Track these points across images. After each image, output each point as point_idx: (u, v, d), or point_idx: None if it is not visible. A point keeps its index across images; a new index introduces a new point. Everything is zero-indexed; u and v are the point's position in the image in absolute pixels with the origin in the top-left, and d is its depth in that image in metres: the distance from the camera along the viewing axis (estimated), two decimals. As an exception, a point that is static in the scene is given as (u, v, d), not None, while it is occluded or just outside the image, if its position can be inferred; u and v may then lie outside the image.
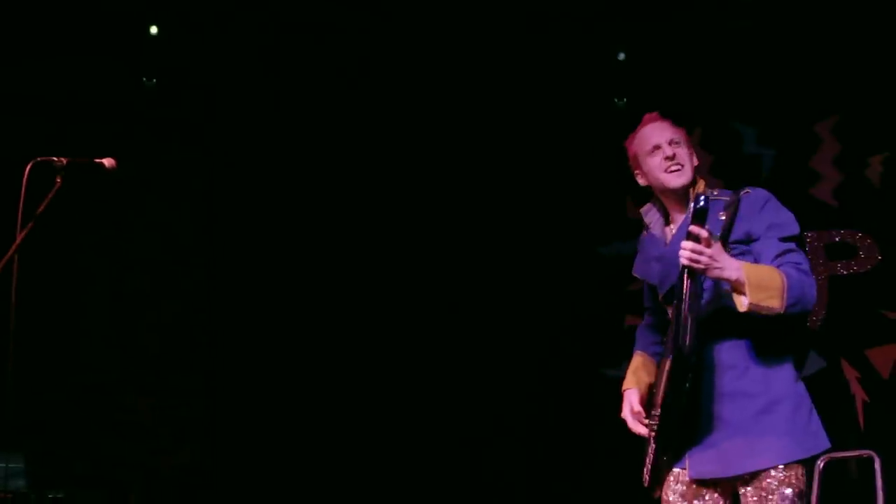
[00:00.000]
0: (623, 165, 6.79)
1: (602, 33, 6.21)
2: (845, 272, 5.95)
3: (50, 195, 3.06)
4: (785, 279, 2.87)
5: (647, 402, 3.14)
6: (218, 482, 5.96)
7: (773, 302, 2.84)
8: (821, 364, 5.94)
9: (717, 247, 2.85)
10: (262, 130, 6.25)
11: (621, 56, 6.35)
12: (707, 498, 2.99)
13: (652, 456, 2.98)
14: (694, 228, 2.81)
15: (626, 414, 3.22)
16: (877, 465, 4.60)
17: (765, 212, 3.05)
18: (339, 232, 6.28)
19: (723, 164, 6.39)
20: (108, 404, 5.78)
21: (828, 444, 3.00)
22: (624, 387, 3.29)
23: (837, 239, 6.00)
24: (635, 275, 3.36)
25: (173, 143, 6.13)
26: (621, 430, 5.99)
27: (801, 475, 2.95)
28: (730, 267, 2.84)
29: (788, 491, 2.91)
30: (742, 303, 2.84)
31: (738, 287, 2.84)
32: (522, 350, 6.27)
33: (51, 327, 5.54)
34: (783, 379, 2.99)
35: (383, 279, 6.30)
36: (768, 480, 2.90)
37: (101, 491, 5.28)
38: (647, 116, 3.35)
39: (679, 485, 3.00)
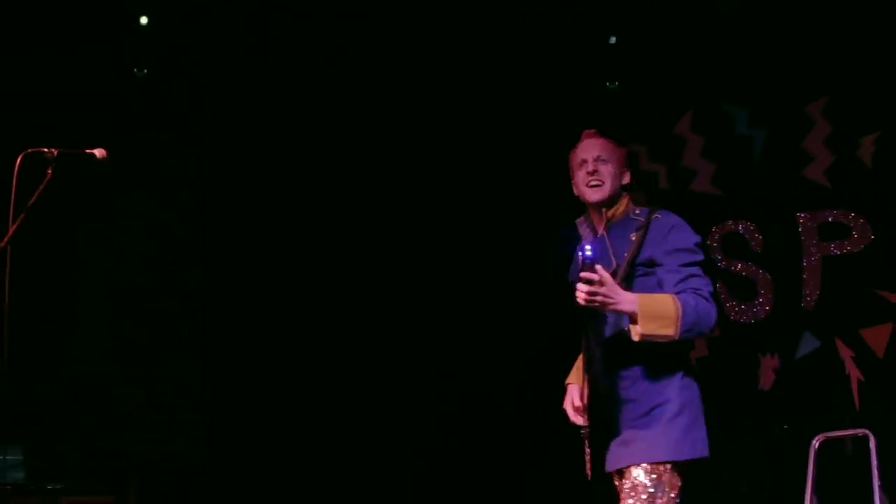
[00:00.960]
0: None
1: (593, 17, 6.20)
2: (838, 252, 5.97)
3: (41, 186, 3.06)
4: (680, 308, 3.06)
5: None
6: (212, 471, 5.97)
7: (667, 330, 3.05)
8: (815, 344, 5.96)
9: (610, 284, 3.01)
10: (253, 121, 6.25)
11: (612, 39, 6.34)
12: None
13: (588, 452, 3.18)
14: (584, 275, 2.99)
15: (566, 406, 3.40)
16: (872, 444, 4.63)
17: (670, 237, 3.21)
18: (330, 222, 6.29)
19: (714, 147, 6.40)
20: (103, 395, 5.78)
21: (704, 454, 3.21)
22: (567, 381, 3.47)
23: (830, 219, 6.01)
24: (571, 280, 3.42)
25: (164, 133, 6.12)
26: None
27: (671, 475, 3.12)
28: (624, 301, 3.03)
29: (652, 488, 3.09)
30: (636, 332, 3.05)
31: (633, 318, 3.05)
32: (521, 340, 6.28)
33: (44, 319, 5.54)
34: (669, 387, 3.19)
35: (377, 268, 6.31)
36: (634, 475, 3.11)
37: (98, 482, 5.29)
38: (585, 132, 3.48)
39: (616, 482, 3.24)
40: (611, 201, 3.33)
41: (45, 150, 3.06)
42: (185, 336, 6.03)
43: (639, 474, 3.09)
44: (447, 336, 6.30)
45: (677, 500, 3.13)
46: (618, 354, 3.18)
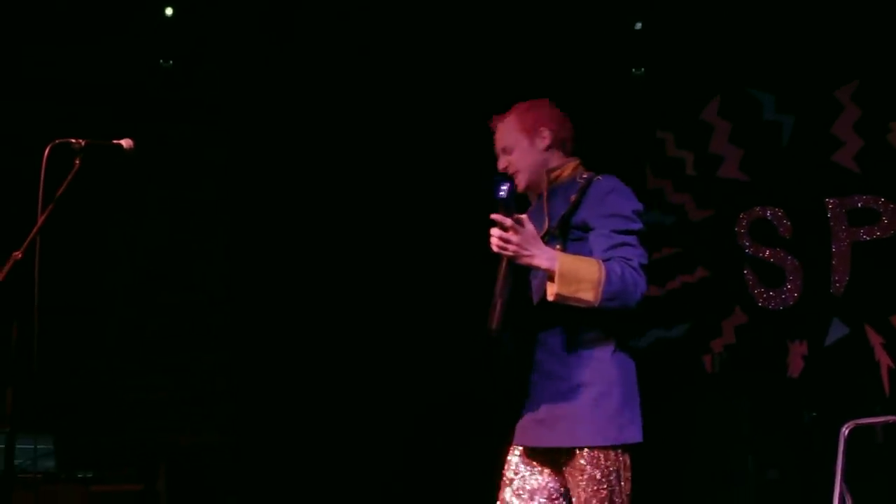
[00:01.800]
0: (642, 136, 6.79)
1: (618, 3, 6.16)
2: (868, 238, 5.91)
3: (69, 177, 3.07)
4: (604, 273, 2.82)
5: None
6: (241, 459, 6.00)
7: (586, 294, 2.81)
8: (845, 331, 5.91)
9: (527, 234, 2.82)
10: (279, 111, 6.24)
11: (638, 25, 6.30)
12: (536, 468, 3.04)
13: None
14: (496, 217, 2.82)
15: None
16: (902, 431, 4.59)
17: (606, 202, 3.03)
18: (358, 213, 6.28)
19: (742, 132, 6.36)
20: (132, 385, 5.82)
21: (637, 439, 2.97)
22: None
23: (860, 205, 5.95)
24: None
25: (190, 124, 6.14)
26: (643, 397, 6.00)
27: (613, 459, 2.90)
28: (541, 255, 2.83)
29: (597, 473, 2.88)
30: (551, 290, 2.83)
31: (550, 276, 2.83)
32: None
33: (73, 310, 5.58)
34: (596, 366, 2.95)
35: (404, 258, 6.29)
36: (580, 461, 2.90)
37: (127, 470, 5.33)
38: (491, 122, 3.36)
39: (513, 456, 3.08)
40: (538, 175, 3.16)
41: (73, 140, 3.07)
42: (213, 326, 6.06)
43: (582, 458, 2.88)
44: (474, 318, 6.28)
45: (628, 489, 2.93)
46: (549, 325, 2.97)
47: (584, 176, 3.14)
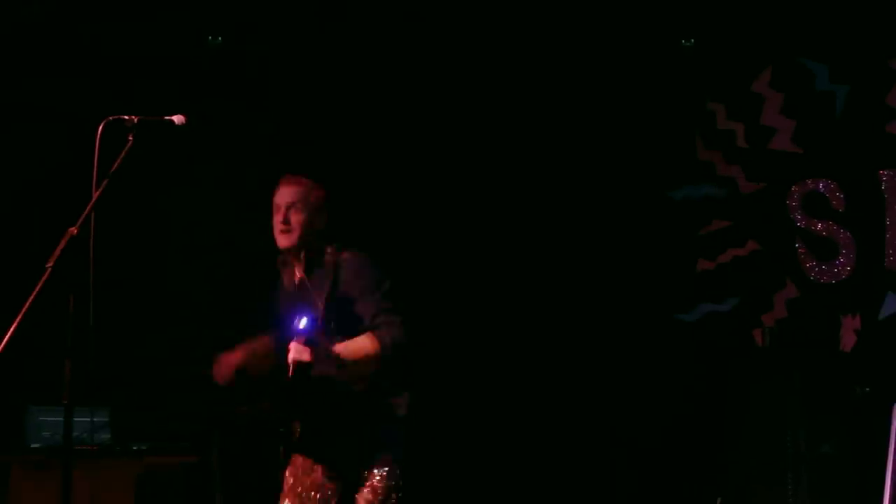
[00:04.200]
0: (691, 107, 6.72)
1: (668, -27, 6.10)
2: (924, 209, 5.83)
3: (123, 153, 3.10)
4: (378, 345, 3.46)
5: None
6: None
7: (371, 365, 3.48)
8: (900, 305, 5.86)
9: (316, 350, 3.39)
10: (327, 87, 6.24)
11: (688, -5, 6.23)
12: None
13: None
14: (295, 347, 3.41)
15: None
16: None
17: (360, 277, 3.58)
18: (405, 181, 6.26)
19: (794, 104, 6.27)
20: (187, 358, 5.88)
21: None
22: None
23: (916, 176, 5.87)
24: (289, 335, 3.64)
25: (238, 100, 6.16)
26: (694, 372, 5.96)
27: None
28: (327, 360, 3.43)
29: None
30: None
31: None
32: (594, 296, 6.24)
33: (128, 284, 5.64)
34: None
35: (455, 243, 6.26)
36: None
37: (182, 443, 5.40)
38: (281, 179, 3.72)
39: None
40: (304, 246, 3.63)
41: (126, 117, 3.10)
42: (265, 298, 6.08)
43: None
44: (527, 292, 6.27)
45: None
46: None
47: (329, 251, 3.66)
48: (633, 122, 6.36)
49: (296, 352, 3.40)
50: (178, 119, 3.18)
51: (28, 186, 5.90)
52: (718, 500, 5.61)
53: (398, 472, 3.61)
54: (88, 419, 5.11)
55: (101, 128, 3.09)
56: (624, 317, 6.24)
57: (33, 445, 5.16)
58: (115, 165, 3.09)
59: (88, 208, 2.95)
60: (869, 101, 6.03)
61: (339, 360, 3.44)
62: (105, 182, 3.07)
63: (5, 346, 2.80)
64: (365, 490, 3.57)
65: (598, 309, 6.25)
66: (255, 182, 6.12)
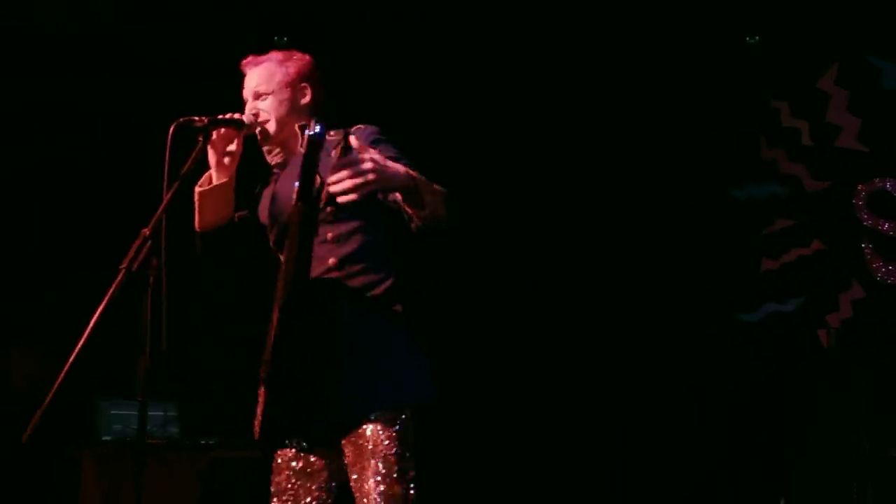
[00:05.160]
0: (756, 106, 6.65)
1: (732, -30, 6.06)
2: None
3: (193, 154, 3.14)
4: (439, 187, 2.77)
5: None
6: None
7: (441, 207, 2.73)
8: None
9: (374, 153, 2.63)
10: (394, 86, 6.28)
11: (753, -7, 6.17)
12: (309, 471, 2.95)
13: (262, 407, 2.89)
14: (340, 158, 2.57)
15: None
16: None
17: (376, 144, 2.89)
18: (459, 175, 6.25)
19: (860, 101, 6.19)
20: (254, 355, 5.97)
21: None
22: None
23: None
24: (259, 215, 3.22)
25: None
26: (761, 373, 5.89)
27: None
28: (398, 172, 2.67)
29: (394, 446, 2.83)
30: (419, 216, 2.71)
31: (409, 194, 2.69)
32: (657, 296, 6.22)
33: (198, 281, 5.73)
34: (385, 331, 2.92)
35: (505, 239, 6.28)
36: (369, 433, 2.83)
37: (247, 438, 5.47)
38: (241, 63, 3.18)
39: (290, 468, 2.97)
40: (289, 130, 3.03)
41: (196, 118, 3.14)
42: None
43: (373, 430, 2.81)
44: (588, 291, 6.26)
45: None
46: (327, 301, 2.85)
47: (333, 133, 2.83)
48: (696, 120, 6.32)
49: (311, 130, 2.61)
50: (247, 118, 3.20)
51: (97, 189, 6.02)
52: (781, 501, 5.57)
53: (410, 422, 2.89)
54: (160, 413, 5.21)
55: (171, 129, 3.15)
56: (688, 317, 6.21)
57: (104, 438, 5.28)
58: (186, 167, 3.14)
59: (161, 210, 2.99)
60: (937, 99, 5.95)
61: (406, 179, 2.67)
62: (176, 184, 3.14)
63: (83, 346, 2.87)
64: (374, 462, 2.82)
65: (663, 309, 6.23)
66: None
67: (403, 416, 2.87)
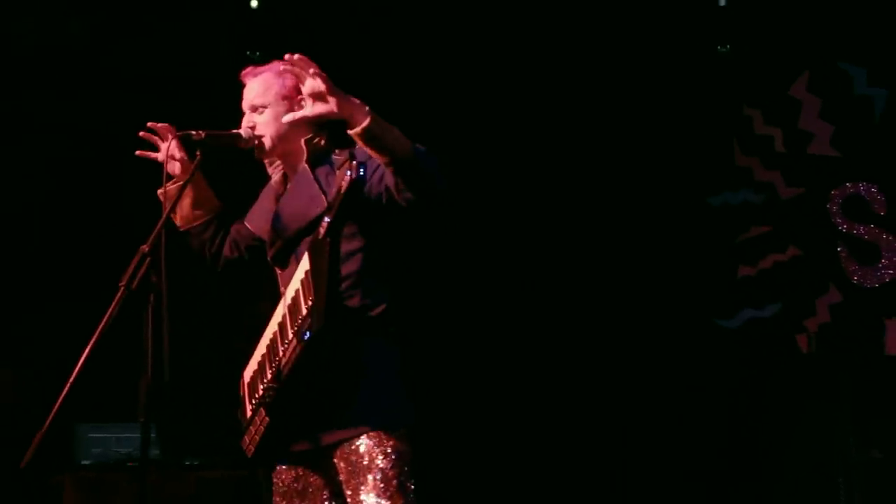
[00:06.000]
0: (728, 113, 6.69)
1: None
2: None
3: (192, 168, 3.10)
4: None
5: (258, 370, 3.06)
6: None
7: (402, 142, 2.72)
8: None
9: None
10: (367, 102, 6.23)
11: (722, 2, 6.21)
12: (310, 490, 2.94)
13: (263, 428, 2.86)
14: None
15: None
16: None
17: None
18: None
19: (833, 108, 6.26)
20: (229, 373, 5.89)
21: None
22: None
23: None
24: (247, 224, 3.23)
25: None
26: (740, 379, 5.91)
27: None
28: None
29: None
30: (360, 124, 2.68)
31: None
32: (635, 303, 6.22)
33: (184, 300, 5.65)
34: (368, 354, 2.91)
35: (487, 244, 6.25)
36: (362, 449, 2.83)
37: (228, 457, 5.39)
38: (241, 73, 3.16)
39: (290, 488, 2.97)
40: (287, 144, 3.01)
41: (193, 132, 3.09)
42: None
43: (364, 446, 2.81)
44: (566, 297, 6.24)
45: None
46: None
47: (338, 153, 2.99)
48: (670, 128, 6.35)
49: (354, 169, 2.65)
50: (245, 132, 3.15)
51: (92, 203, 5.92)
52: None
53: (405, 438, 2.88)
54: (137, 436, 5.10)
55: (169, 143, 3.09)
56: (665, 323, 6.21)
57: (83, 462, 5.17)
58: (186, 181, 3.10)
59: (159, 226, 2.93)
60: (909, 105, 6.03)
61: (371, 123, 2.68)
62: (175, 199, 3.09)
63: (83, 366, 2.80)
64: (370, 478, 2.80)
65: (639, 316, 6.23)
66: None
67: (399, 432, 2.86)
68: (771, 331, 6.24)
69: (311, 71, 2.75)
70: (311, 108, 2.79)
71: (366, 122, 2.71)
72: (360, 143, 2.76)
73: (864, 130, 6.17)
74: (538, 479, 6.09)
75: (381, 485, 2.79)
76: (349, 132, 2.75)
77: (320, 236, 2.72)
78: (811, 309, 6.18)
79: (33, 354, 5.66)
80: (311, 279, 2.73)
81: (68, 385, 2.81)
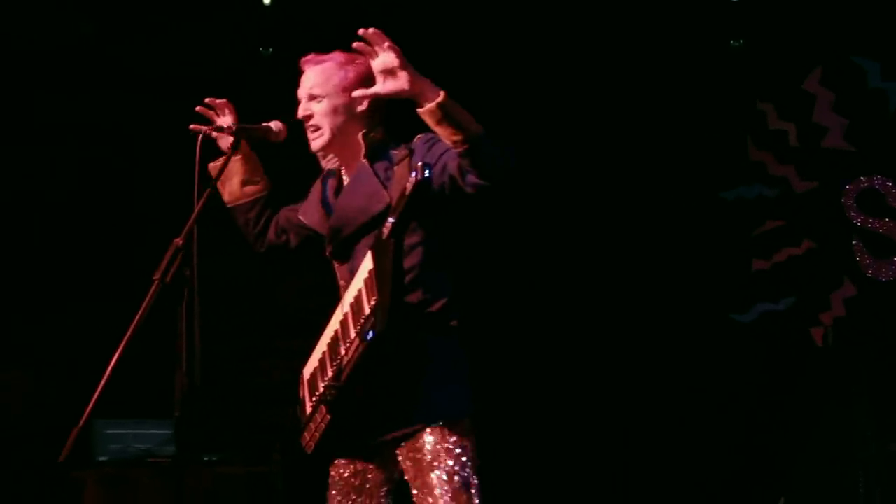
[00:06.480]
0: (742, 108, 6.68)
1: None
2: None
3: (224, 162, 3.09)
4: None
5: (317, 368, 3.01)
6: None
7: (472, 124, 2.67)
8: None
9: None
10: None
11: (735, -3, 6.21)
12: (368, 486, 2.93)
13: (324, 426, 2.84)
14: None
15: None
16: None
17: (434, 148, 2.87)
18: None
19: (846, 102, 6.25)
20: (250, 370, 5.89)
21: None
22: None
23: (970, 172, 5.86)
24: (300, 218, 3.18)
25: (291, 112, 6.14)
26: (755, 372, 5.90)
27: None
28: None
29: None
30: (433, 99, 2.64)
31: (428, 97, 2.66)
32: (650, 298, 6.22)
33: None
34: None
35: (498, 243, 6.24)
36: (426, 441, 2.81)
37: (244, 453, 5.39)
38: (301, 60, 3.10)
39: (347, 484, 2.95)
40: (344, 138, 2.97)
41: (225, 125, 3.08)
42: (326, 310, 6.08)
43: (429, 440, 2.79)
44: (582, 295, 6.24)
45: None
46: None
47: (396, 148, 2.97)
48: (683, 123, 6.34)
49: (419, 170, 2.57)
50: (275, 125, 3.14)
51: (124, 198, 5.91)
52: (781, 500, 5.59)
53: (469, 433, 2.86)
54: (161, 431, 5.11)
55: (200, 138, 3.08)
56: (682, 318, 6.21)
57: (100, 459, 5.15)
58: (217, 175, 3.09)
59: (192, 219, 2.92)
60: (922, 98, 6.03)
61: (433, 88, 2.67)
62: (207, 192, 3.07)
63: (118, 360, 2.79)
64: (434, 476, 2.79)
65: (654, 311, 6.23)
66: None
67: (461, 426, 2.83)
68: (786, 325, 6.24)
69: (386, 44, 2.69)
70: (381, 86, 2.72)
71: (440, 97, 2.66)
72: (431, 122, 2.69)
73: (878, 124, 6.17)
74: (551, 477, 6.10)
75: (445, 482, 2.77)
76: (419, 111, 2.70)
77: (384, 237, 2.68)
78: (826, 303, 6.18)
79: (47, 354, 5.66)
80: (374, 279, 2.70)
81: (104, 379, 2.80)
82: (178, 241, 2.89)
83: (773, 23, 6.23)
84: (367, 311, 2.72)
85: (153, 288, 2.83)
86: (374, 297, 2.68)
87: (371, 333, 2.66)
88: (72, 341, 5.55)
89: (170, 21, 6.02)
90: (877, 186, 6.17)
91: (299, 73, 3.11)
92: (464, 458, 2.80)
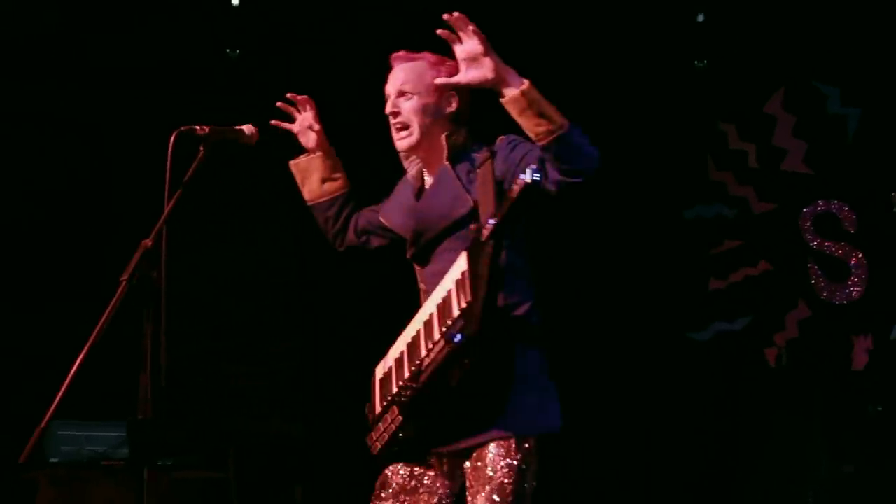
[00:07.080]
0: (703, 127, 6.75)
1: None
2: (935, 232, 5.92)
3: (195, 164, 3.05)
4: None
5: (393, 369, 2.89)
6: (311, 448, 5.99)
7: (557, 115, 2.63)
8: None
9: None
10: (347, 101, 6.21)
11: (700, 17, 6.27)
12: (421, 492, 2.84)
13: (394, 427, 2.75)
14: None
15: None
16: None
17: (516, 150, 2.82)
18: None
19: (806, 126, 6.35)
20: (209, 373, 5.84)
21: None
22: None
23: (926, 199, 5.95)
24: (381, 219, 3.14)
25: (257, 114, 6.11)
26: (710, 391, 5.95)
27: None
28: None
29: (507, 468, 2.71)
30: (518, 86, 2.61)
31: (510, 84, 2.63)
32: (608, 314, 6.25)
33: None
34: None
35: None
36: (489, 455, 2.72)
37: (204, 457, 5.34)
38: (392, 56, 3.03)
39: (394, 477, 2.87)
40: (430, 138, 2.91)
41: (197, 127, 3.05)
42: (289, 313, 6.05)
43: (492, 453, 2.70)
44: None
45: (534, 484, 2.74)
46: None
47: (478, 150, 2.88)
48: (645, 142, 6.39)
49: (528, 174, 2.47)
50: (248, 129, 3.12)
51: (96, 198, 5.83)
52: None
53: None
54: (114, 434, 5.04)
55: (172, 138, 3.04)
56: (637, 335, 6.25)
57: (52, 460, 5.07)
58: (188, 176, 3.04)
59: (161, 221, 2.89)
60: (881, 125, 6.12)
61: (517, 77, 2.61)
62: (178, 193, 3.03)
63: (82, 361, 2.76)
64: (488, 488, 2.68)
65: (612, 327, 6.26)
66: (279, 201, 6.12)
67: (527, 445, 2.74)
68: (741, 344, 6.31)
69: (471, 29, 2.63)
70: (464, 74, 2.68)
71: (525, 85, 2.62)
72: (514, 112, 2.64)
73: (836, 149, 6.27)
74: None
75: (497, 498, 2.68)
76: (503, 100, 2.65)
77: (483, 238, 2.59)
78: (781, 324, 6.26)
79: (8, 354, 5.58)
80: (468, 281, 2.61)
81: (68, 380, 2.76)
82: (147, 242, 2.85)
83: (737, 45, 6.31)
84: (455, 312, 2.62)
85: (120, 289, 2.79)
86: (466, 299, 2.59)
87: (458, 336, 2.56)
88: (36, 341, 5.49)
89: (137, 18, 5.97)
90: (833, 211, 6.26)
91: (388, 68, 3.05)
92: (523, 476, 2.71)
